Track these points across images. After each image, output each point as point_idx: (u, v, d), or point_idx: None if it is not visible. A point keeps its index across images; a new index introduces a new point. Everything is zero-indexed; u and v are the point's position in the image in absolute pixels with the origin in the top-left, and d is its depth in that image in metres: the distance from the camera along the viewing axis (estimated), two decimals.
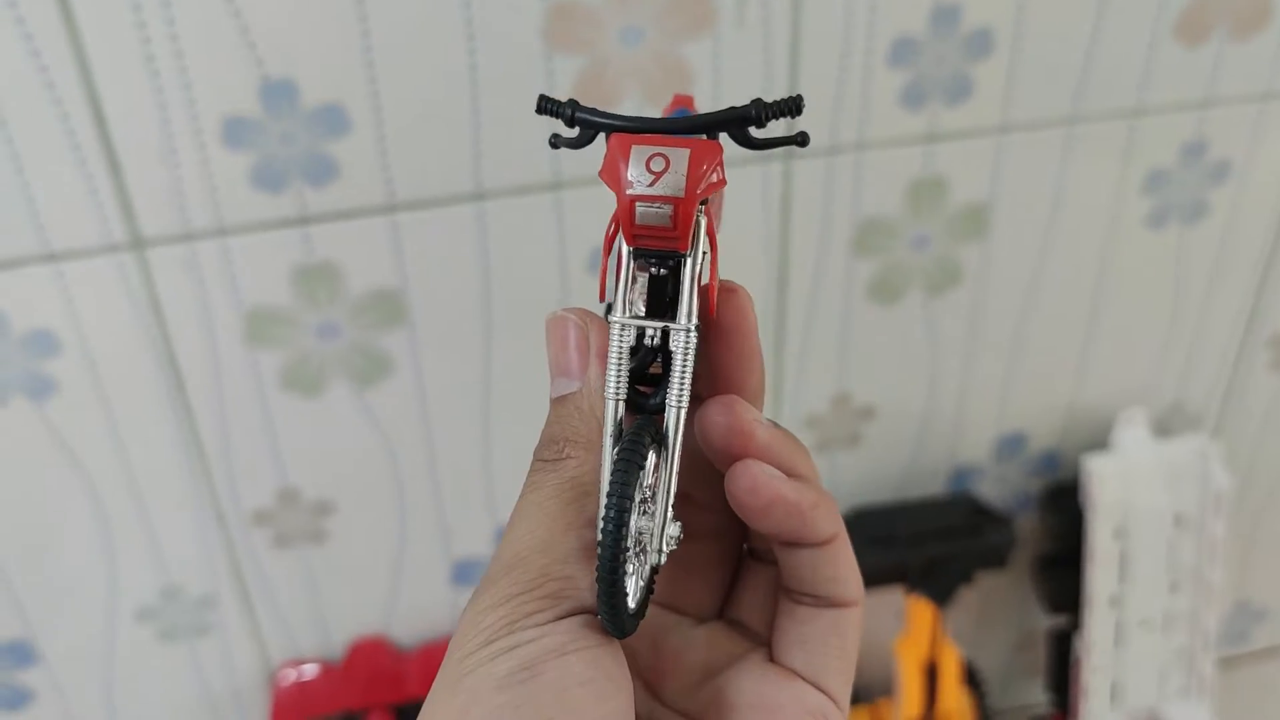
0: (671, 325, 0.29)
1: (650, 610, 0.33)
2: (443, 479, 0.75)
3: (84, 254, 0.62)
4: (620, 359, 0.29)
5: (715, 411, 0.31)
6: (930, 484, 0.86)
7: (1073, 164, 0.74)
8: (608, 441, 0.29)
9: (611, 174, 0.29)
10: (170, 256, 0.63)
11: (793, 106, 0.30)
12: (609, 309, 0.32)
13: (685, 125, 0.30)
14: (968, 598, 0.91)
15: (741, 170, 0.69)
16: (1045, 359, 0.83)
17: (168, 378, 0.67)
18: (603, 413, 0.30)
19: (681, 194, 0.28)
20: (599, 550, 0.27)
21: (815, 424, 0.80)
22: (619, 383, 0.29)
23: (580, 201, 0.67)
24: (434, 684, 0.29)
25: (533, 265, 0.68)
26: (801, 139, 0.31)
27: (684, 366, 0.29)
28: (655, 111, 0.65)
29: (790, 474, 0.31)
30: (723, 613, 0.35)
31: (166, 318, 0.65)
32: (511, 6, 0.61)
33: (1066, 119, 0.72)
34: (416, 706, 0.76)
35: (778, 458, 0.31)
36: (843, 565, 0.32)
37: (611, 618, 0.28)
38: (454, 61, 0.61)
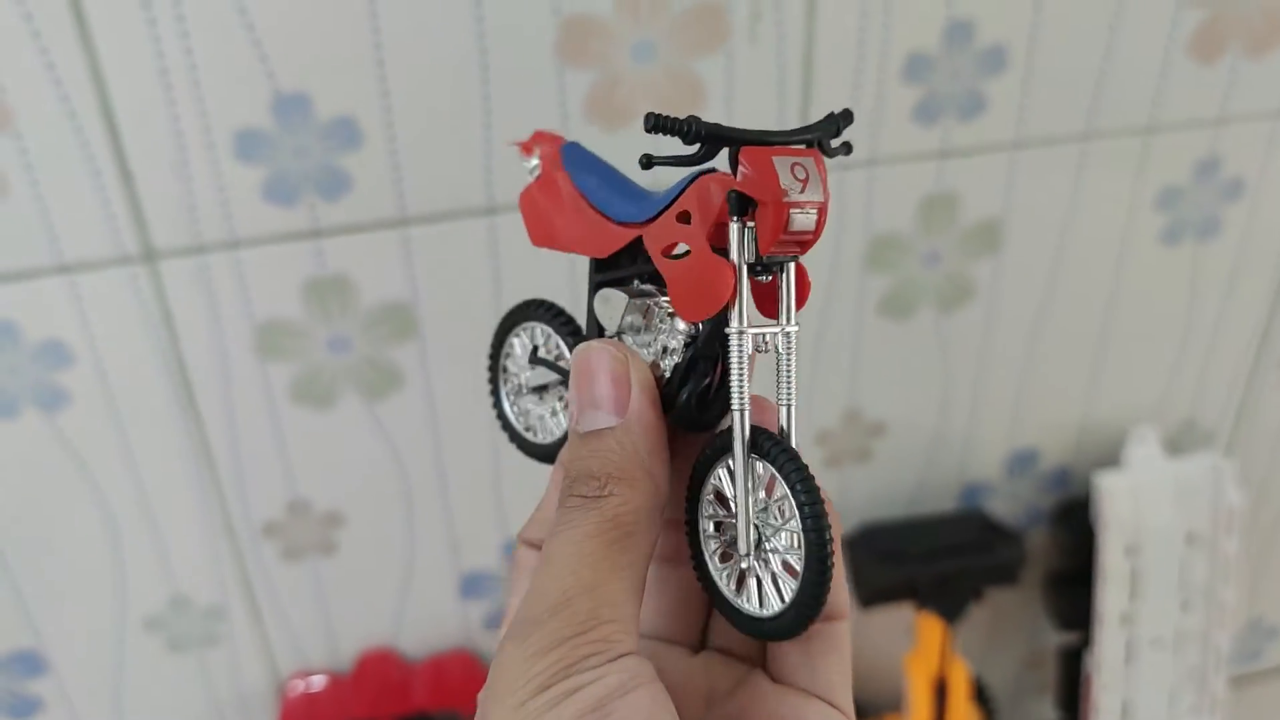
0: (785, 327, 0.32)
1: (649, 645, 0.35)
2: (452, 492, 0.75)
3: (96, 266, 0.62)
4: (743, 368, 0.31)
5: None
6: (941, 500, 0.85)
7: (1086, 180, 0.74)
8: (740, 452, 0.30)
9: (760, 185, 0.30)
10: (182, 269, 0.63)
11: (851, 118, 0.32)
12: (596, 328, 0.35)
13: (798, 135, 0.31)
14: (977, 614, 0.91)
15: None
16: (1057, 375, 0.82)
17: (179, 390, 0.67)
18: (646, 448, 0.30)
19: (824, 198, 0.30)
20: (807, 548, 0.29)
21: (826, 440, 0.80)
22: (743, 393, 0.30)
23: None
24: None
25: (544, 279, 0.68)
26: (847, 148, 0.33)
27: (789, 366, 0.32)
28: None
29: None
30: (707, 640, 0.36)
31: (178, 330, 0.65)
32: (524, 20, 0.61)
33: (1080, 135, 0.72)
34: (424, 718, 0.76)
35: None
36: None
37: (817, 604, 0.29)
38: (466, 75, 0.61)
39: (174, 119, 0.59)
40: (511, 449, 0.38)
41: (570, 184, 0.35)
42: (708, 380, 0.33)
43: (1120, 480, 0.83)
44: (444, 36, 0.60)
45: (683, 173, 0.32)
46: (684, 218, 0.31)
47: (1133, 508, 0.83)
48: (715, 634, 0.36)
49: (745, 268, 0.30)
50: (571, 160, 0.36)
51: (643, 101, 0.64)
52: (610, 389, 0.31)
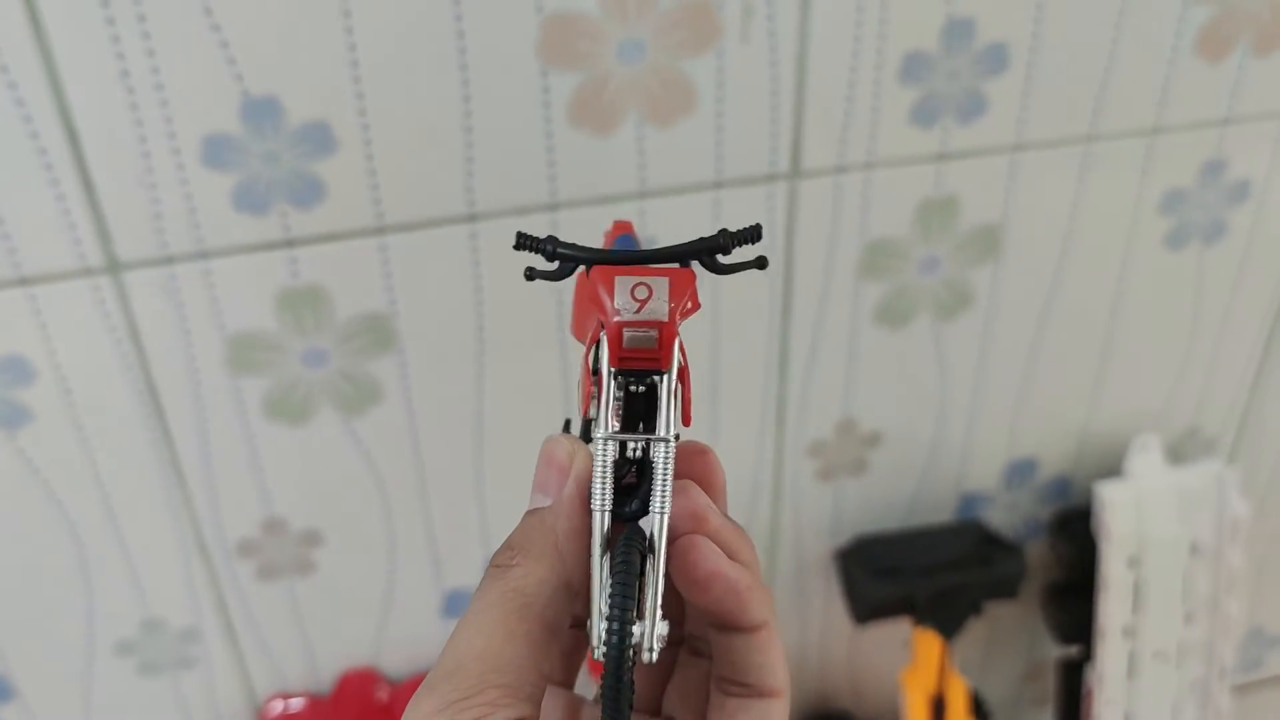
0: (652, 438, 0.32)
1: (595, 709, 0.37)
2: (433, 508, 0.73)
3: (58, 278, 0.59)
4: (605, 472, 0.31)
5: (674, 492, 0.33)
6: (938, 512, 0.83)
7: (1089, 184, 0.72)
8: (597, 550, 0.31)
9: (597, 302, 0.31)
10: (149, 280, 0.61)
11: (754, 234, 0.33)
12: (587, 425, 0.35)
13: (662, 255, 0.33)
14: (976, 626, 0.89)
15: (746, 191, 0.66)
16: (1057, 383, 0.80)
17: (147, 406, 0.64)
18: (562, 528, 0.32)
19: (665, 319, 0.31)
20: (604, 660, 0.29)
21: (820, 451, 0.78)
22: (604, 494, 0.31)
23: (577, 223, 0.64)
24: None
25: (527, 289, 0.65)
26: (761, 263, 0.34)
27: (665, 475, 0.31)
28: (656, 132, 0.63)
29: (733, 558, 0.33)
30: (657, 713, 0.38)
31: (145, 344, 0.62)
32: (504, 19, 0.58)
33: (1083, 137, 0.70)
34: None
35: (724, 542, 0.33)
36: (772, 654, 0.34)
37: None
38: (445, 77, 0.59)
39: (137, 124, 0.56)
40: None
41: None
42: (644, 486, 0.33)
43: (1122, 490, 0.81)
44: (421, 37, 0.57)
45: None
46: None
47: (1135, 518, 0.81)
48: (669, 700, 0.37)
49: (610, 378, 0.32)
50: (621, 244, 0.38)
51: (631, 103, 0.61)
52: (553, 475, 0.33)
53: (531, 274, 0.33)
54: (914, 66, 0.65)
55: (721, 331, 0.71)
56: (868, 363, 0.75)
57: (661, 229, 0.66)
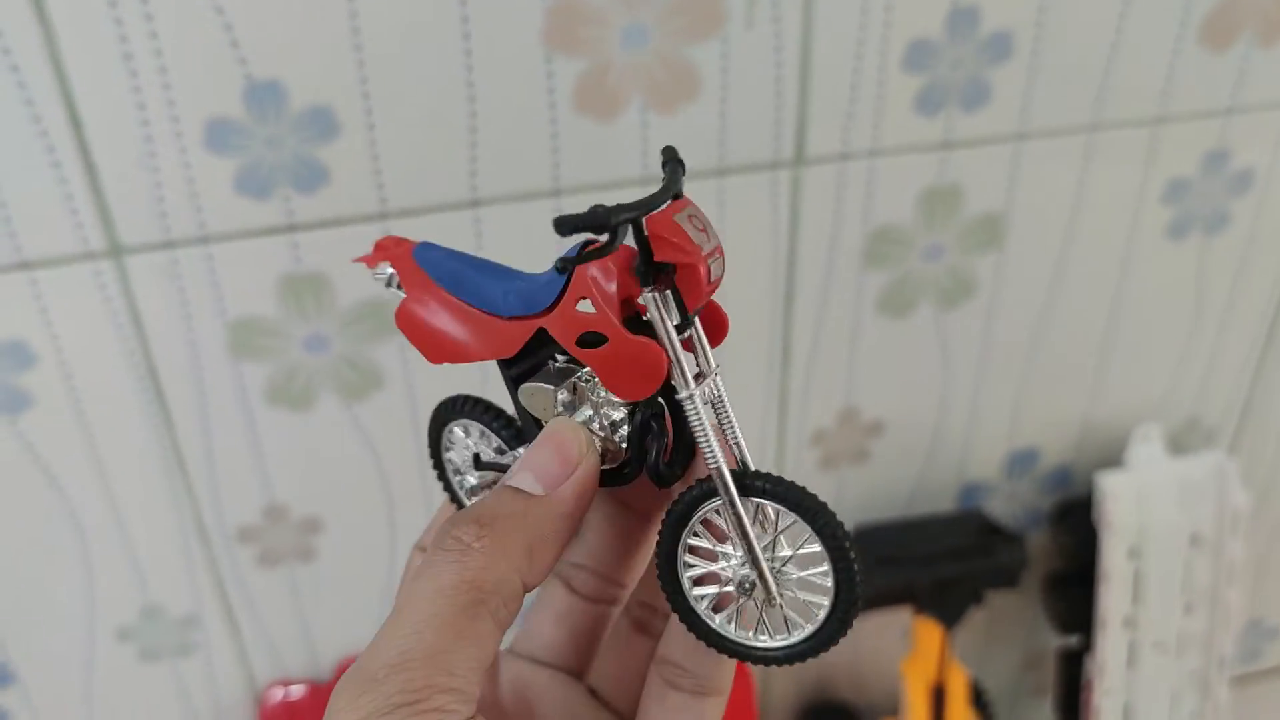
0: (714, 372, 0.31)
1: (517, 665, 0.36)
2: (434, 494, 0.73)
3: (60, 262, 0.59)
4: (706, 428, 0.30)
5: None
6: (940, 501, 0.83)
7: (1092, 172, 0.71)
8: (735, 499, 0.30)
9: (677, 248, 0.29)
10: (150, 265, 0.60)
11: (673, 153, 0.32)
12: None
13: (674, 188, 0.30)
14: (976, 616, 0.89)
15: (749, 178, 0.66)
16: (1059, 373, 0.80)
17: (148, 391, 0.64)
18: (545, 530, 0.30)
19: (720, 241, 0.30)
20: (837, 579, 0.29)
21: (822, 439, 0.78)
22: (714, 451, 0.30)
23: (580, 209, 0.64)
24: None
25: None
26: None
27: (727, 403, 0.31)
28: (660, 118, 0.63)
29: None
30: (584, 675, 0.37)
31: (146, 328, 0.62)
32: (510, 5, 0.58)
33: (1086, 126, 0.70)
34: None
35: None
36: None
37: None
38: (449, 63, 0.59)
39: (140, 107, 0.56)
40: None
41: (442, 291, 0.33)
42: (666, 438, 0.32)
43: (1123, 480, 0.81)
44: (425, 21, 0.57)
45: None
46: (582, 300, 0.31)
47: (1135, 508, 0.81)
48: (599, 675, 0.37)
49: (674, 334, 0.30)
50: (430, 264, 0.33)
51: (635, 90, 0.61)
52: (554, 464, 0.31)
53: (565, 266, 0.30)
54: (918, 54, 0.64)
55: None
56: (870, 351, 0.74)
57: None
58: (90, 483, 0.66)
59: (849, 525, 0.80)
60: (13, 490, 0.65)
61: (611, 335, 0.30)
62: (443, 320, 0.33)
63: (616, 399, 0.32)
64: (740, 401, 0.74)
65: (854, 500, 0.81)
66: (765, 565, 0.30)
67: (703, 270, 0.30)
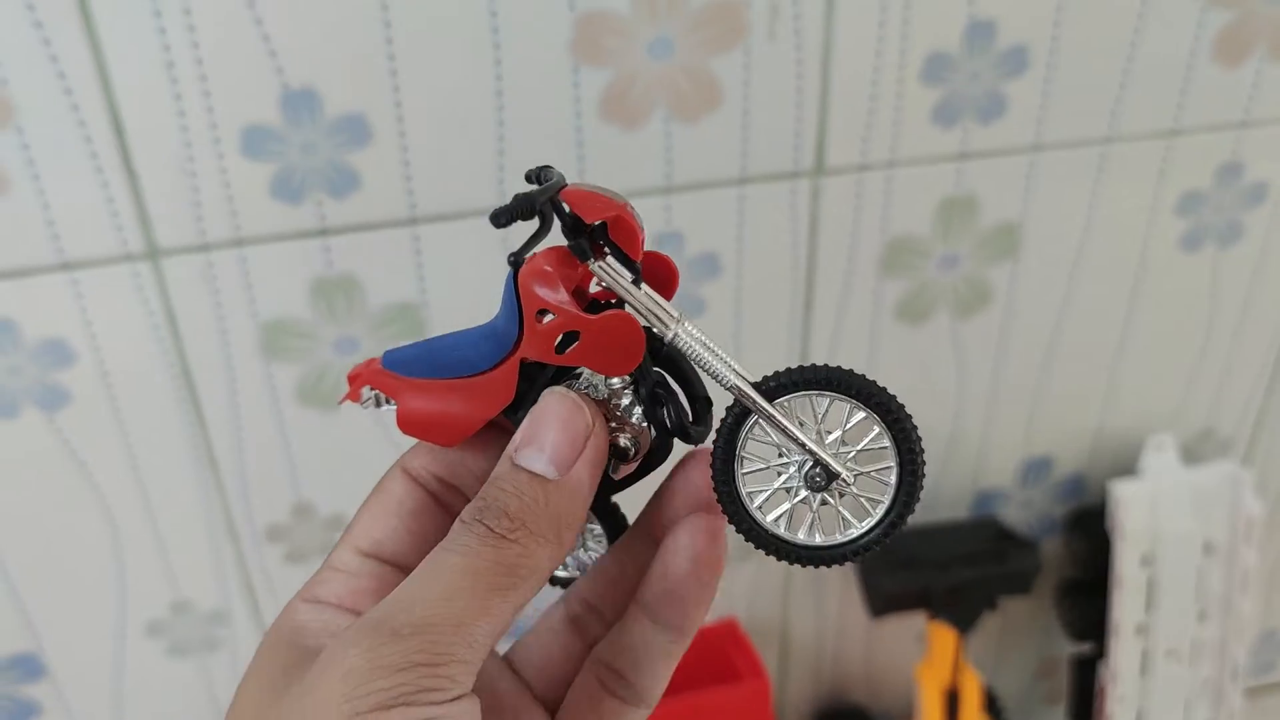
0: (683, 321, 0.32)
1: (508, 680, 0.36)
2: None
3: (99, 263, 0.61)
4: (711, 348, 0.32)
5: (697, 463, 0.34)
6: (954, 508, 0.84)
7: (1106, 184, 0.73)
8: (761, 403, 0.31)
9: (598, 206, 0.31)
10: (186, 267, 0.62)
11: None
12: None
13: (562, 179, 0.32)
14: (989, 622, 0.89)
15: (770, 187, 0.67)
16: (1074, 382, 0.81)
17: (181, 390, 0.66)
18: (568, 516, 0.31)
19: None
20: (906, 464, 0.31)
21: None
22: (731, 363, 0.32)
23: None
24: (294, 706, 0.28)
25: None
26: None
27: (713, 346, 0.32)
28: (683, 127, 0.64)
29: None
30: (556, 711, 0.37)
31: (181, 329, 0.64)
32: (538, 16, 0.59)
33: (1101, 139, 0.71)
34: None
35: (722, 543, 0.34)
36: (674, 666, 0.35)
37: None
38: (478, 72, 0.60)
39: (180, 114, 0.58)
40: None
41: (422, 380, 0.34)
42: (677, 396, 0.33)
43: (1137, 489, 0.82)
44: (456, 32, 0.59)
45: None
46: (542, 314, 0.32)
47: (1149, 516, 0.82)
48: (567, 714, 0.37)
49: (632, 287, 0.32)
50: (400, 364, 0.35)
51: (660, 100, 0.63)
52: (564, 444, 0.31)
53: (517, 259, 0.32)
54: (936, 67, 0.66)
55: (743, 325, 0.72)
56: (887, 358, 0.76)
57: (687, 223, 0.67)
58: (123, 479, 0.68)
59: None
60: (49, 484, 0.67)
61: (580, 325, 0.31)
62: (438, 405, 0.34)
63: (615, 383, 0.33)
64: None
65: None
66: (824, 452, 0.31)
67: (631, 217, 0.31)
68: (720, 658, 0.77)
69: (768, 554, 0.32)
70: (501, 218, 0.30)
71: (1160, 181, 0.74)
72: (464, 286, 0.66)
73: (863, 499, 0.32)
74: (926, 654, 0.81)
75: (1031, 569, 0.81)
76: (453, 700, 0.28)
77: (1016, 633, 0.93)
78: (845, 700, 0.91)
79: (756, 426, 0.32)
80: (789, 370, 0.31)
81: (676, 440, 0.34)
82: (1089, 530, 0.84)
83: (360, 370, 0.36)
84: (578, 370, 0.33)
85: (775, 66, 0.64)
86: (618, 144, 0.64)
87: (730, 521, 0.33)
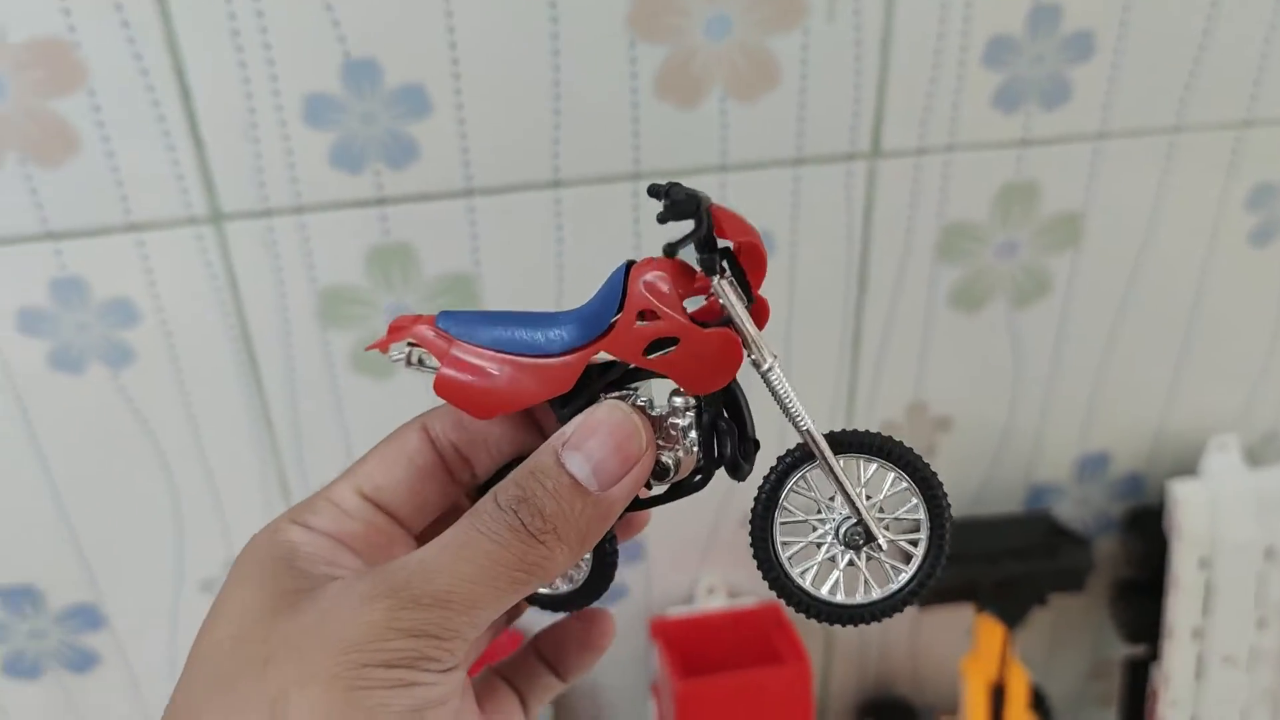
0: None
1: (370, 513, 0.36)
2: None
3: (164, 225, 0.63)
4: (790, 392, 0.33)
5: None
6: (1007, 501, 0.83)
7: (1174, 175, 0.71)
8: (829, 457, 0.33)
9: (745, 229, 0.32)
10: (248, 231, 0.64)
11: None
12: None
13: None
14: (1040, 619, 0.88)
15: (825, 169, 0.67)
16: (1134, 377, 0.79)
17: (241, 352, 0.67)
18: (596, 532, 0.32)
19: None
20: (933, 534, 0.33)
21: (889, 432, 0.78)
22: (802, 413, 0.33)
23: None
24: (298, 634, 0.29)
25: (608, 256, 0.67)
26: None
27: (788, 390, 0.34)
28: (739, 106, 0.64)
29: None
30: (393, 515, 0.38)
31: (242, 292, 0.65)
32: None
33: (1169, 128, 0.70)
34: None
35: None
36: (551, 698, 0.40)
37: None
38: (536, 47, 0.61)
39: (245, 81, 0.59)
40: None
41: (476, 347, 0.34)
42: (735, 432, 0.34)
43: (1197, 490, 0.80)
44: (515, 5, 0.60)
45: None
46: (647, 315, 0.32)
47: (1209, 519, 0.80)
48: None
49: (746, 313, 0.33)
50: (456, 324, 0.35)
51: (717, 79, 0.63)
52: (613, 462, 0.32)
53: (673, 249, 0.32)
54: (998, 50, 0.65)
55: (796, 308, 0.72)
56: (941, 346, 0.75)
57: (741, 202, 0.67)
58: (183, 438, 0.70)
59: None
60: (111, 440, 0.69)
61: (683, 334, 0.32)
62: (484, 376, 0.34)
63: (680, 405, 0.34)
64: (809, 391, 0.75)
65: None
66: (868, 513, 0.32)
67: (763, 248, 0.33)
68: (762, 640, 0.77)
69: (789, 604, 0.34)
70: (667, 214, 0.31)
71: (1230, 173, 0.72)
72: (517, 259, 0.67)
73: (886, 564, 0.33)
74: (973, 647, 0.80)
75: (1084, 566, 0.79)
76: (446, 671, 0.30)
77: (1068, 631, 0.91)
78: (889, 692, 0.91)
79: (803, 479, 0.33)
80: (850, 431, 0.33)
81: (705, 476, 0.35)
82: (1146, 530, 0.83)
83: (405, 323, 0.36)
84: (635, 385, 0.34)
85: (834, 47, 0.64)
86: (674, 121, 0.64)
87: (759, 567, 0.34)
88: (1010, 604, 0.78)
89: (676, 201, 0.31)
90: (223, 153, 0.61)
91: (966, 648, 0.84)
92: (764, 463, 0.34)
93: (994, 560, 0.78)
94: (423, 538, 0.36)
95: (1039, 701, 0.83)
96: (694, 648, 0.76)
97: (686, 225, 0.31)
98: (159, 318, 0.65)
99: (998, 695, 0.79)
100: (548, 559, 0.31)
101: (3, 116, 0.58)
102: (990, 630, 0.79)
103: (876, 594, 0.33)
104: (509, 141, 0.63)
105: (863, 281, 0.72)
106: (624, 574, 0.80)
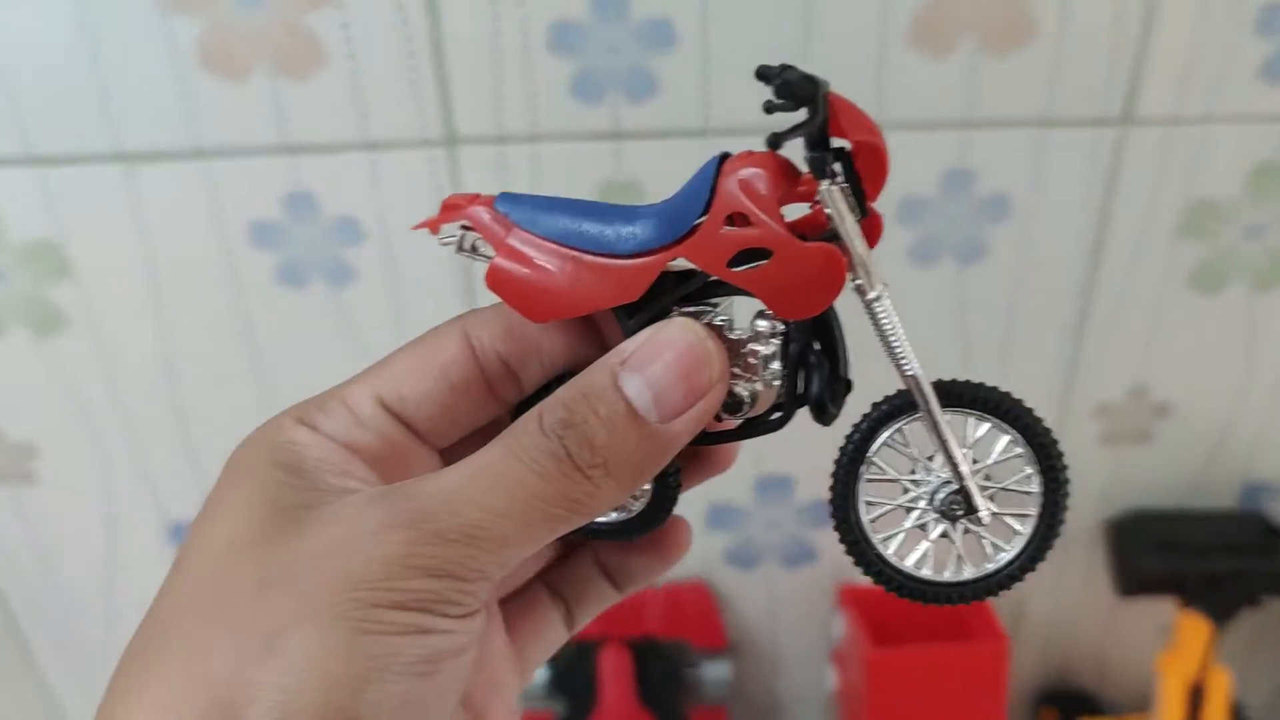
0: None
1: (390, 425, 0.31)
2: None
3: (399, 145, 0.63)
4: (899, 330, 0.28)
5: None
6: (1221, 497, 0.79)
7: None
8: (936, 410, 0.28)
9: (867, 126, 0.27)
10: (480, 157, 0.63)
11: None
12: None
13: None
14: (1247, 622, 0.84)
15: (1072, 133, 0.64)
16: None
17: (460, 279, 0.67)
18: (651, 469, 0.28)
19: None
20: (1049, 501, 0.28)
21: (1106, 413, 0.75)
22: (910, 355, 0.28)
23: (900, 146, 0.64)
24: (302, 557, 0.26)
25: None
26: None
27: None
28: (991, 60, 0.61)
29: None
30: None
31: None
32: None
33: None
34: (653, 645, 0.75)
35: None
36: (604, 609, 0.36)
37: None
38: None
39: (493, 3, 0.59)
40: None
41: (537, 238, 0.30)
42: (825, 368, 0.29)
43: None
44: None
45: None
46: (737, 220, 0.27)
47: None
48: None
49: (857, 229, 0.28)
50: (517, 209, 0.30)
51: (970, 29, 0.60)
52: (678, 391, 0.28)
53: (777, 140, 0.27)
54: (1273, 18, 0.61)
55: (1026, 274, 0.69)
56: (1171, 328, 0.71)
57: (980, 161, 0.65)
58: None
59: (1121, 508, 0.78)
60: (327, 354, 0.70)
61: (779, 246, 0.27)
62: (547, 271, 0.29)
63: (765, 331, 0.29)
64: (1027, 362, 0.72)
65: (1131, 482, 0.78)
66: (972, 480, 0.28)
67: (885, 151, 0.27)
68: (953, 615, 0.75)
69: (865, 573, 0.29)
70: (781, 94, 0.27)
71: None
72: None
73: (986, 540, 0.28)
74: (1173, 644, 0.77)
75: None
76: (464, 617, 0.26)
77: (1273, 639, 0.87)
78: (1072, 682, 0.88)
79: (899, 432, 0.29)
80: (963, 382, 0.28)
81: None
82: None
83: (461, 202, 0.31)
84: (715, 301, 0.30)
85: (1093, 5, 0.60)
86: (923, 72, 0.62)
87: (836, 527, 0.29)
88: (1220, 601, 0.75)
89: (789, 83, 0.26)
90: (464, 75, 0.61)
91: (1161, 645, 0.80)
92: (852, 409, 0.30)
93: (1205, 554, 0.75)
94: (447, 456, 0.31)
95: (1239, 711, 0.79)
96: (884, 617, 0.74)
97: (796, 116, 0.27)
98: (383, 239, 0.66)
99: (1195, 697, 0.76)
100: (593, 496, 0.27)
101: (258, 27, 0.59)
102: (1194, 628, 0.75)
103: (968, 573, 0.29)
104: (750, 82, 0.62)
105: (1097, 254, 0.68)
106: (813, 536, 0.79)
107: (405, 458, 0.30)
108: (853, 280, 0.28)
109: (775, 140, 0.27)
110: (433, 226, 0.31)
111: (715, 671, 0.76)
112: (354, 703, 0.24)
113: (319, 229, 0.65)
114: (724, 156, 0.28)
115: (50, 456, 0.73)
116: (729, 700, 0.77)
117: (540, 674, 0.78)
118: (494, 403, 0.31)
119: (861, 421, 0.29)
